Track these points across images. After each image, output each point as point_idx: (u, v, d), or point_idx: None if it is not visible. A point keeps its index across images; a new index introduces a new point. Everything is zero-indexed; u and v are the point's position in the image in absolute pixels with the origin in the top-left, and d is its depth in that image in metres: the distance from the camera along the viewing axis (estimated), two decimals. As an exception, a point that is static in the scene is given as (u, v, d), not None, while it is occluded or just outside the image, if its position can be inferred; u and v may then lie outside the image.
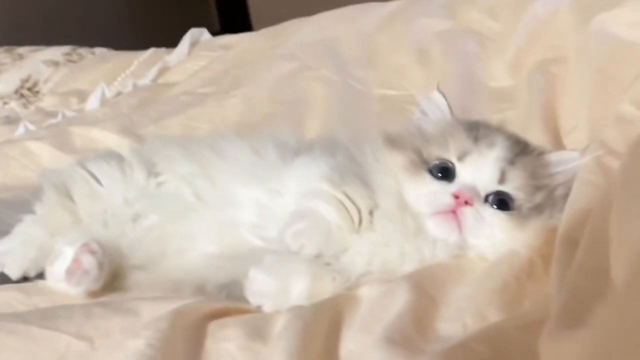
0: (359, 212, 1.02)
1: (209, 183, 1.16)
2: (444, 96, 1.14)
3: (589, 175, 0.97)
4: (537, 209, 1.02)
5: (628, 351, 0.47)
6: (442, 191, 1.01)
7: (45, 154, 1.66)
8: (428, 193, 1.02)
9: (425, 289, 0.90)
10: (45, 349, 0.85)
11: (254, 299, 0.95)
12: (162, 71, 2.28)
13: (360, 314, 0.89)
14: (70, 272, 1.04)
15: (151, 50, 2.44)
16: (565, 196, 1.00)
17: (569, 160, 1.05)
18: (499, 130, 1.10)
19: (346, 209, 1.01)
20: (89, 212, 1.18)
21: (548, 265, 0.90)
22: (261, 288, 0.95)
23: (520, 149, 1.05)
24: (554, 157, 1.07)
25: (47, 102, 2.25)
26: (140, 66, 2.34)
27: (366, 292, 0.95)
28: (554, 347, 0.61)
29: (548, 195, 1.04)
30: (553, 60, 1.53)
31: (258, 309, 0.95)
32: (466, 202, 0.99)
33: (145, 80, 2.21)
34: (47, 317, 0.90)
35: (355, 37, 1.98)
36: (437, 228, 1.00)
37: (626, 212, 0.68)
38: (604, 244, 0.70)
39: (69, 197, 1.19)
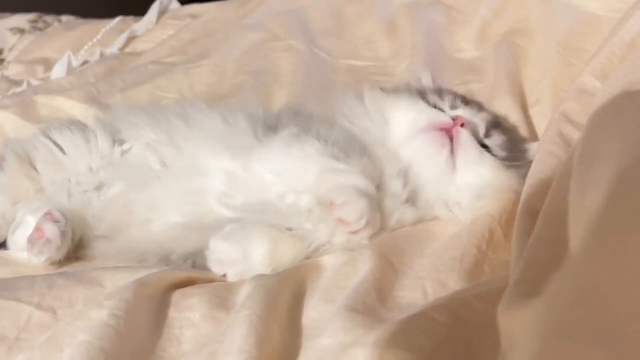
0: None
1: (176, 151, 1.15)
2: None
3: (551, 146, 0.98)
4: (518, 171, 1.05)
5: (576, 321, 0.47)
6: (439, 113, 1.07)
7: (8, 123, 1.63)
8: (425, 110, 1.08)
9: (388, 258, 0.91)
10: (6, 320, 0.84)
11: (216, 268, 0.96)
12: (130, 40, 2.25)
13: (324, 283, 0.90)
14: (32, 241, 1.03)
15: (119, 19, 2.41)
16: None
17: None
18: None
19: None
20: (52, 181, 1.16)
21: (509, 233, 0.91)
22: (221, 256, 0.95)
23: (500, 122, 1.13)
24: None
25: (13, 70, 2.20)
26: (108, 35, 2.31)
27: (330, 261, 0.96)
28: (510, 315, 0.62)
29: (526, 167, 1.06)
30: (518, 32, 1.54)
31: (223, 278, 0.95)
32: (462, 126, 1.04)
33: (113, 49, 2.19)
34: (9, 288, 0.89)
35: (324, 8, 1.98)
36: (429, 145, 1.03)
37: (584, 183, 0.68)
38: (563, 215, 0.71)
39: (32, 165, 1.17)
